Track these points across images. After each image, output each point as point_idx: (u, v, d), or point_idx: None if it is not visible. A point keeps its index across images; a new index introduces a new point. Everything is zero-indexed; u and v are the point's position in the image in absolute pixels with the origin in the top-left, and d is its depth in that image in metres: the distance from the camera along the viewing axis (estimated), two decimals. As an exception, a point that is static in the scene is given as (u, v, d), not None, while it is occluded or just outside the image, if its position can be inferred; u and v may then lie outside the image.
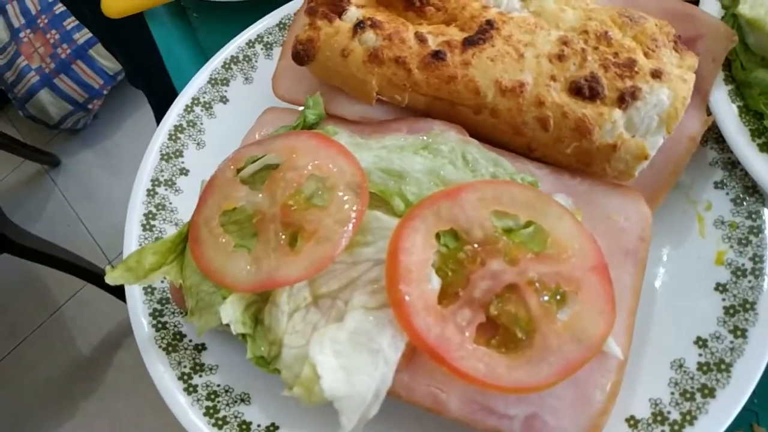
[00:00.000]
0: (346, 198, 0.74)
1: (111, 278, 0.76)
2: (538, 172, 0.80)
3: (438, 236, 0.71)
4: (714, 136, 0.87)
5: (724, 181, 0.84)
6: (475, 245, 0.71)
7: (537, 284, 0.69)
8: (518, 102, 0.77)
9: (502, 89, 0.78)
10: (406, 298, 0.67)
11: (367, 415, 0.65)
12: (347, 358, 0.67)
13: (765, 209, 0.79)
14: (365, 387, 0.65)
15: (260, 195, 0.77)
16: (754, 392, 0.74)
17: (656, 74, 0.76)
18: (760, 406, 0.77)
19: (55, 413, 2.79)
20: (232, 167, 0.82)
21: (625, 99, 0.75)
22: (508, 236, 0.71)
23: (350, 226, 0.72)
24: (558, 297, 0.69)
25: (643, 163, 0.76)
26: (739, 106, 0.83)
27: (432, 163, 0.78)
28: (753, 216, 0.80)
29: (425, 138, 0.81)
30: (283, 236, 0.74)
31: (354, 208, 0.73)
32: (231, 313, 0.71)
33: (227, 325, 0.72)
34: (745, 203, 0.81)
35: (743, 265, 0.77)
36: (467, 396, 0.69)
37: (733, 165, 0.84)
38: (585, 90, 0.76)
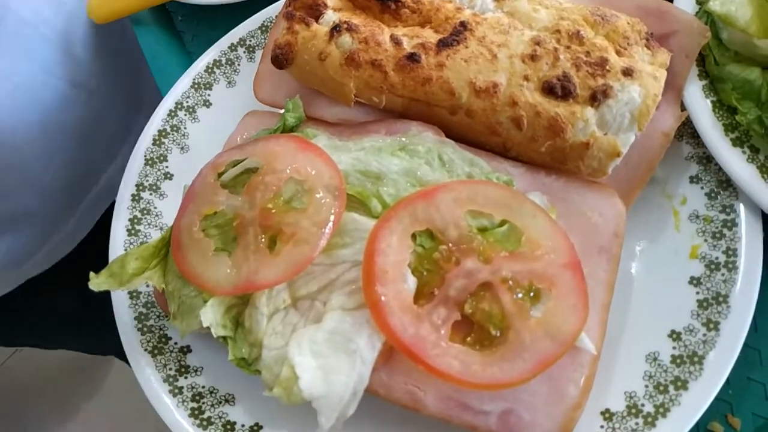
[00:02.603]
0: (324, 200, 0.76)
1: (95, 284, 0.77)
2: (514, 170, 0.81)
3: (414, 236, 0.73)
4: (689, 131, 0.88)
5: (699, 175, 0.85)
6: (450, 245, 0.72)
7: (510, 282, 0.70)
8: (492, 102, 0.78)
9: (476, 90, 0.79)
10: (383, 298, 0.68)
11: (345, 413, 0.67)
12: (325, 359, 0.68)
13: (739, 203, 0.80)
14: (343, 386, 0.66)
15: (240, 199, 0.79)
16: (728, 383, 0.75)
17: (627, 72, 0.77)
18: (735, 397, 0.79)
19: (57, 413, 2.81)
20: (212, 172, 0.83)
21: (597, 97, 0.76)
22: (482, 235, 0.73)
23: (328, 228, 0.74)
24: (531, 294, 0.70)
25: (616, 160, 0.77)
26: (712, 101, 0.84)
27: (409, 164, 0.79)
28: (727, 210, 0.81)
29: (403, 139, 0.82)
30: (263, 239, 0.75)
31: (332, 211, 0.75)
32: (211, 316, 0.72)
33: (209, 328, 0.73)
34: (719, 197, 0.82)
35: (717, 258, 0.79)
36: (443, 393, 0.70)
37: (708, 159, 0.85)
38: (557, 89, 0.77)
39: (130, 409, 2.73)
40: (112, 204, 0.97)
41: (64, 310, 1.58)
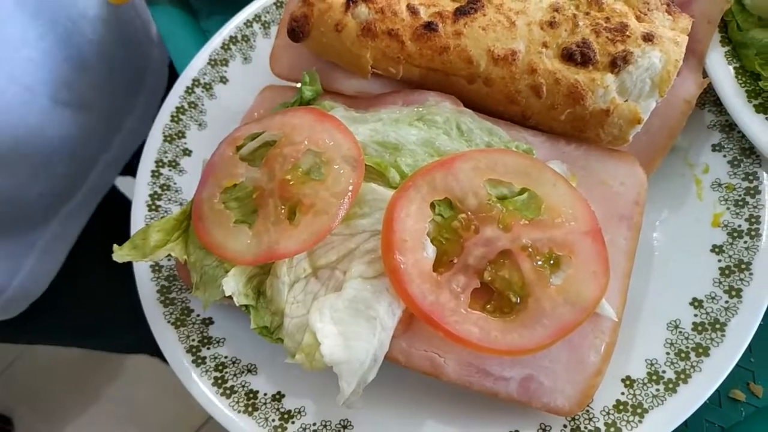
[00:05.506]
0: (342, 171, 0.76)
1: (118, 256, 0.78)
2: (533, 139, 0.80)
3: (433, 206, 0.73)
4: (712, 98, 0.86)
5: (722, 143, 0.84)
6: (470, 213, 0.72)
7: (530, 249, 0.70)
8: (511, 70, 0.78)
9: (494, 58, 0.78)
10: (402, 266, 0.69)
11: (365, 379, 0.67)
12: (346, 325, 0.69)
13: (762, 170, 0.79)
14: (363, 352, 0.67)
15: (259, 171, 0.79)
16: (750, 351, 0.75)
17: (648, 38, 0.75)
18: (757, 365, 0.78)
19: (78, 398, 2.87)
20: (231, 146, 0.83)
21: (617, 63, 0.75)
22: (502, 204, 0.72)
23: (347, 198, 0.74)
24: (551, 261, 0.70)
25: (637, 128, 0.76)
26: (735, 68, 0.83)
27: (427, 134, 0.79)
28: (750, 177, 0.80)
29: (420, 109, 0.82)
30: (283, 210, 0.76)
31: (350, 181, 0.75)
32: (233, 285, 0.73)
33: (231, 298, 0.74)
34: (741, 165, 0.81)
35: (739, 226, 0.78)
36: (464, 360, 0.71)
37: (730, 127, 0.84)
38: (577, 56, 0.76)
39: (149, 394, 2.78)
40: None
41: (98, 310, 1.57)
